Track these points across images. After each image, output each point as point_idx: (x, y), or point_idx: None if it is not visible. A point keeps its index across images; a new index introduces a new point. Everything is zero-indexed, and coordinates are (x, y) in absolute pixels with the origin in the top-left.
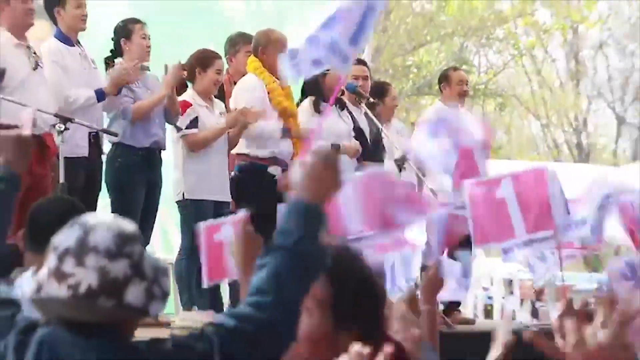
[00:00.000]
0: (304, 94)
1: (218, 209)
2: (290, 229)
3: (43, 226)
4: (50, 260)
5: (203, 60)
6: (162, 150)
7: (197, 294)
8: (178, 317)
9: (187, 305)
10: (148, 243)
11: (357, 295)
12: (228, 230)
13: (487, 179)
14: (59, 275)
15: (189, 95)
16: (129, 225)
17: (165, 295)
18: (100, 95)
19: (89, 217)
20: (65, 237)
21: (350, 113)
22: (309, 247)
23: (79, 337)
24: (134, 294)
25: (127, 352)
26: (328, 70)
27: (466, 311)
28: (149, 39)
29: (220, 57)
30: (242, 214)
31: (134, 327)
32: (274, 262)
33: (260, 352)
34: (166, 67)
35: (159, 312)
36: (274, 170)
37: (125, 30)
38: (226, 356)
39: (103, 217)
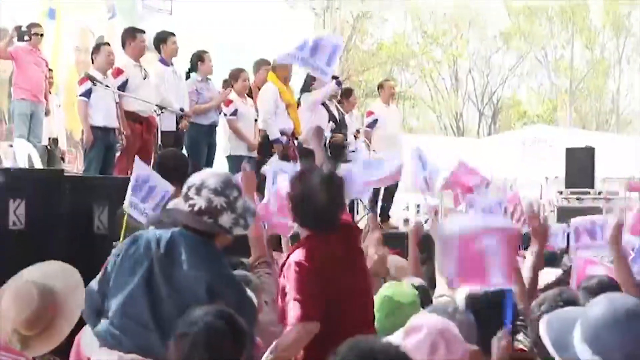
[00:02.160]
0: (302, 92)
1: (249, 160)
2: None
3: (163, 168)
4: (184, 189)
5: (235, 72)
6: (216, 127)
7: None
8: None
9: None
10: None
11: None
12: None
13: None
14: (186, 198)
15: (232, 95)
16: (232, 177)
17: (246, 227)
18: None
19: (210, 169)
20: (194, 178)
21: (326, 105)
22: None
23: (192, 235)
24: (224, 219)
25: (216, 251)
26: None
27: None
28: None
29: (245, 71)
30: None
31: (225, 241)
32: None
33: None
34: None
35: (240, 233)
36: (282, 138)
37: (197, 54)
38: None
39: (218, 171)
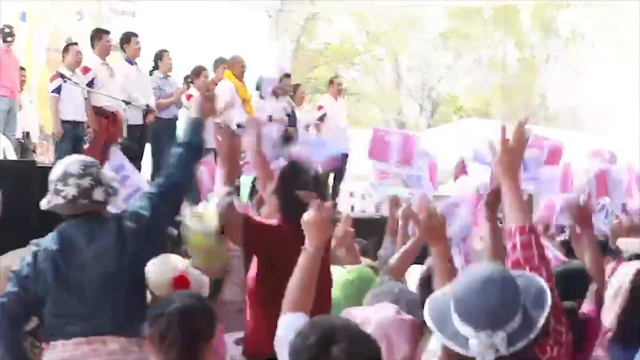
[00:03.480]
0: (257, 89)
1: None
2: (189, 134)
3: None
4: (50, 186)
5: (196, 70)
6: (177, 120)
7: None
8: None
9: None
10: None
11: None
12: None
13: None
14: (56, 192)
15: (193, 91)
16: (84, 157)
17: (115, 193)
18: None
19: (63, 159)
20: (55, 172)
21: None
22: (196, 140)
23: (78, 221)
24: (97, 194)
25: (102, 221)
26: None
27: None
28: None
29: (205, 69)
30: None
31: (104, 211)
32: (175, 153)
33: (162, 204)
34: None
35: (115, 203)
36: (240, 131)
37: (158, 53)
38: (155, 210)
39: (73, 158)
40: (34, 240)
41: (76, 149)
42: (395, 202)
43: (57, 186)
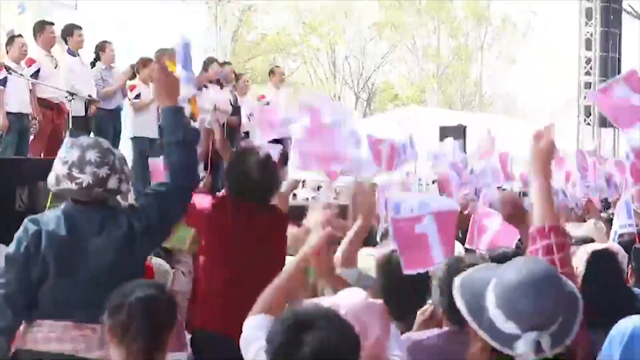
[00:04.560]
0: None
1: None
2: (172, 130)
3: None
4: (62, 168)
5: (142, 61)
6: (121, 111)
7: None
8: None
9: None
10: None
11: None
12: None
13: (409, 216)
14: (70, 178)
15: (136, 81)
16: (102, 143)
17: (128, 181)
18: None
19: (82, 139)
20: (70, 155)
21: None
22: (187, 135)
23: (86, 208)
24: (111, 183)
25: (112, 211)
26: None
27: None
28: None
29: (151, 60)
30: None
31: (117, 201)
32: (173, 156)
33: (170, 207)
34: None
35: (128, 191)
36: None
37: (99, 44)
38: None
39: (90, 141)
40: (32, 217)
41: (21, 140)
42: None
43: (72, 172)
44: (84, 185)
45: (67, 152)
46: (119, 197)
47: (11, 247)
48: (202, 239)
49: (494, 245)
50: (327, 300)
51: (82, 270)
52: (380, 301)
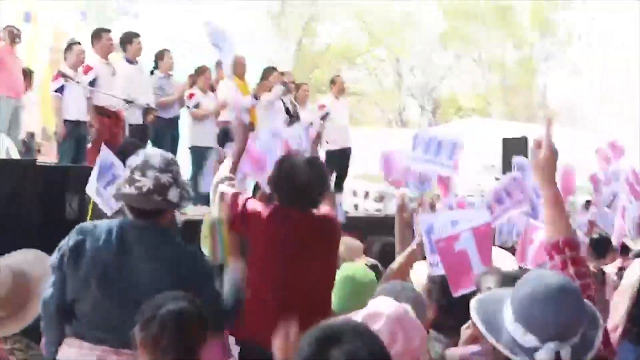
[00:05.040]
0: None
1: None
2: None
3: (127, 152)
4: (126, 172)
5: (199, 69)
6: (179, 120)
7: None
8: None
9: None
10: None
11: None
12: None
13: (447, 235)
14: (131, 181)
15: (195, 89)
16: (169, 154)
17: (190, 198)
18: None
19: (148, 149)
20: (134, 160)
21: (282, 101)
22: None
23: (144, 226)
24: (172, 194)
25: (168, 238)
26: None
27: None
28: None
29: (208, 68)
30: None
31: (172, 218)
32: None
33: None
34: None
35: (186, 206)
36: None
37: (158, 52)
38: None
39: (155, 151)
40: (83, 225)
41: (79, 148)
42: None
43: (133, 175)
44: (144, 190)
45: (133, 158)
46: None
47: (54, 254)
48: (252, 249)
49: (538, 259)
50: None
51: (126, 294)
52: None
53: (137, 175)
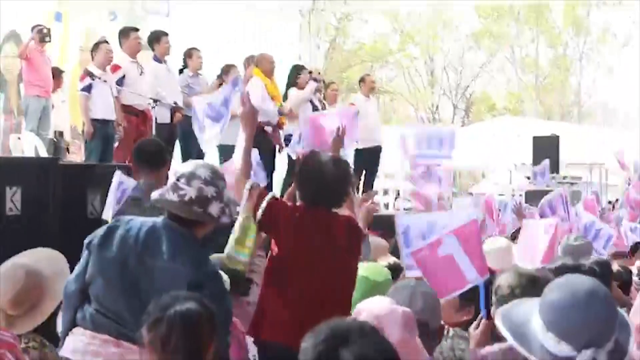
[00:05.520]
0: (288, 87)
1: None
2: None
3: (140, 152)
4: (172, 180)
5: (226, 68)
6: None
7: None
8: None
9: None
10: None
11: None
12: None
13: (427, 243)
14: (175, 188)
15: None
16: (218, 169)
17: (231, 216)
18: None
19: (195, 160)
20: (183, 169)
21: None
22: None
23: (174, 226)
24: (213, 208)
25: (198, 243)
26: (300, 73)
27: None
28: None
29: (235, 66)
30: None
31: (208, 230)
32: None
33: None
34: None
35: (225, 223)
36: (268, 128)
37: (187, 51)
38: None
39: (204, 162)
40: (124, 218)
41: (106, 147)
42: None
43: (178, 183)
44: (186, 198)
45: (183, 166)
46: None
47: (89, 236)
48: (275, 248)
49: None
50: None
51: (137, 287)
52: (403, 308)
53: (181, 184)
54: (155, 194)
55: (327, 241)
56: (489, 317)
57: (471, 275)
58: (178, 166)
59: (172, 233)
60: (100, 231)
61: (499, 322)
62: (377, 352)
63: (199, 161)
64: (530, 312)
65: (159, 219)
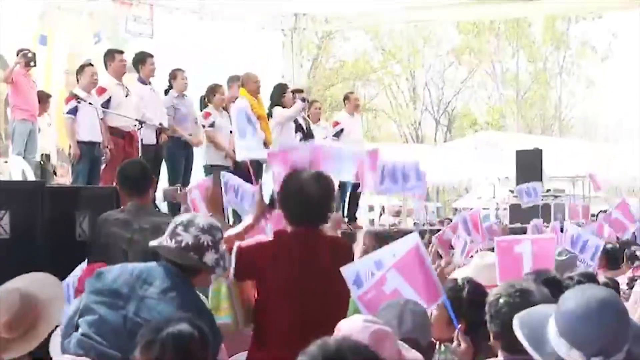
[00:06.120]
0: (272, 105)
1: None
2: None
3: (125, 176)
4: (171, 226)
5: (212, 88)
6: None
7: None
8: None
9: None
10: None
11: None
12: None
13: (372, 283)
14: (172, 235)
15: (210, 109)
16: (216, 221)
17: (225, 269)
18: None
19: (197, 214)
20: (181, 218)
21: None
22: None
23: (169, 265)
24: (209, 257)
25: (190, 283)
26: (284, 92)
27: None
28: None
29: (221, 86)
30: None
31: (204, 282)
32: None
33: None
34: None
35: (220, 274)
36: None
37: (172, 73)
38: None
39: (206, 214)
40: (136, 267)
41: (93, 169)
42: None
43: (176, 229)
44: (182, 244)
45: (181, 215)
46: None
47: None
48: (262, 281)
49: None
50: None
51: (125, 320)
52: (377, 326)
53: (179, 230)
54: (154, 242)
55: (316, 259)
56: (466, 330)
57: (420, 303)
58: (177, 216)
59: (166, 272)
60: (95, 273)
61: (516, 327)
62: None
63: (199, 214)
64: (546, 317)
65: (153, 262)
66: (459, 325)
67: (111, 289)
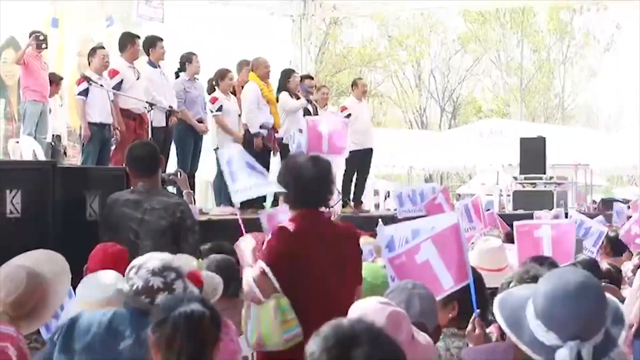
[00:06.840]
0: (279, 90)
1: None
2: None
3: (135, 157)
4: (127, 270)
5: (221, 72)
6: (202, 123)
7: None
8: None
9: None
10: (196, 169)
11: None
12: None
13: (406, 249)
14: (127, 279)
15: (217, 93)
16: (174, 262)
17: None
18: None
19: (154, 254)
20: (137, 260)
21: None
22: None
23: (133, 314)
24: (161, 299)
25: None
26: (289, 77)
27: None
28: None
29: (230, 71)
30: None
31: None
32: None
33: None
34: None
35: None
36: (263, 131)
37: (186, 55)
38: None
39: (160, 255)
40: (86, 311)
41: (103, 150)
42: None
43: (129, 273)
44: (134, 288)
45: (139, 258)
46: None
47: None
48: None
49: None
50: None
51: None
52: (394, 308)
53: (131, 274)
54: (120, 284)
55: (330, 253)
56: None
57: (447, 282)
58: (135, 259)
59: (136, 319)
60: (63, 325)
61: (496, 309)
62: (385, 353)
63: (156, 253)
64: (525, 299)
65: (117, 310)
66: (477, 310)
67: (83, 347)
